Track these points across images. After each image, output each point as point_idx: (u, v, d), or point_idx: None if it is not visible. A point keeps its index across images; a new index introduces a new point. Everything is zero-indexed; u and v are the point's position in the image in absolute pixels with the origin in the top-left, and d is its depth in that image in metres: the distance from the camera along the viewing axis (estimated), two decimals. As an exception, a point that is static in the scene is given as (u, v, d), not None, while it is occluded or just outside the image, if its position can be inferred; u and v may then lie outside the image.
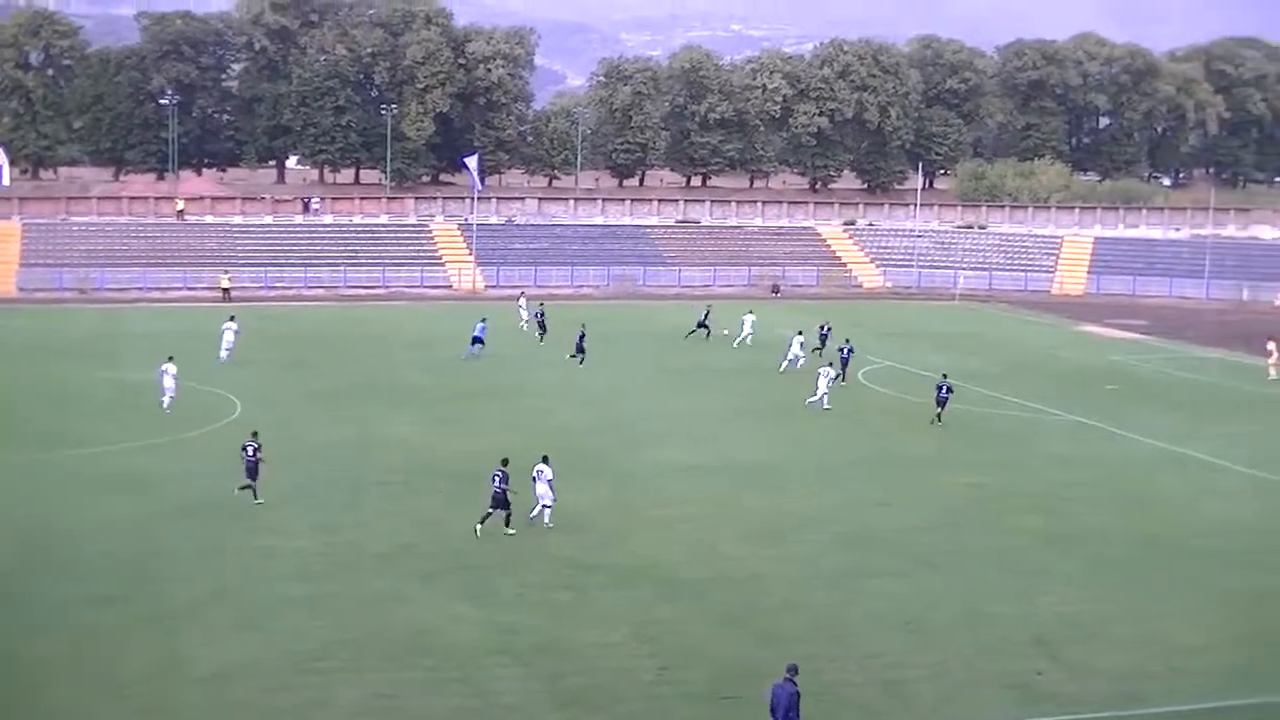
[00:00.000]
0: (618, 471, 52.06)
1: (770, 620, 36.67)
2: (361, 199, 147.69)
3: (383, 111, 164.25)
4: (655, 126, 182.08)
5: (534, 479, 44.41)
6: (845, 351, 74.99)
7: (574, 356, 79.78)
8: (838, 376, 69.86)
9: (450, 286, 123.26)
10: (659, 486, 50.67)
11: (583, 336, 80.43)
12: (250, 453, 47.01)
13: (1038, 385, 75.84)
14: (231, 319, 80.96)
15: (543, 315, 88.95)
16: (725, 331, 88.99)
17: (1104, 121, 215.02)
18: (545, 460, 44.78)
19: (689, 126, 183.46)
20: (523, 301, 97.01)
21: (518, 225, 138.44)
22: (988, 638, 35.70)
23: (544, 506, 44.26)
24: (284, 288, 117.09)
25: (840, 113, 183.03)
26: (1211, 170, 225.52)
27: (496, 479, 43.74)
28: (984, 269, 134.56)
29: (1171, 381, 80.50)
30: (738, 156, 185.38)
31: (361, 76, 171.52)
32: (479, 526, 43.48)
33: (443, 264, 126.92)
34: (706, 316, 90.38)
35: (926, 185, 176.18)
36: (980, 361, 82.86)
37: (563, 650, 34.14)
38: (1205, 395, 76.18)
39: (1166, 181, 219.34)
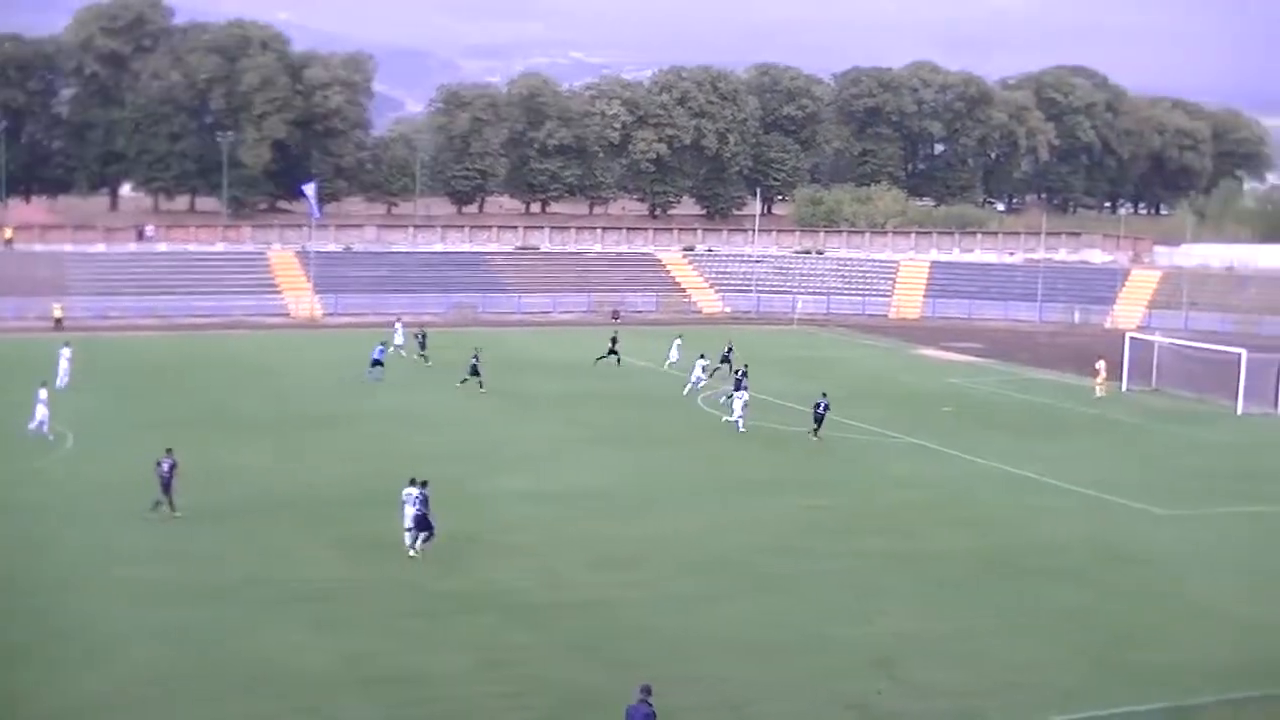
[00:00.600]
0: (467, 498, 51.83)
1: (618, 646, 36.76)
2: (197, 227, 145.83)
3: (219, 138, 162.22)
4: (495, 153, 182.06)
5: (403, 502, 44.51)
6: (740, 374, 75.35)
7: (464, 382, 79.74)
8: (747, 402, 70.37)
9: (288, 315, 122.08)
10: (508, 513, 50.57)
11: (476, 359, 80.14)
12: (165, 469, 47.70)
13: (877, 408, 76.88)
14: (66, 344, 79.82)
15: (424, 339, 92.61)
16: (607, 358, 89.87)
17: (939, 148, 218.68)
18: (413, 483, 44.86)
19: (528, 153, 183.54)
20: (398, 327, 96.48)
21: (356, 253, 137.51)
22: (830, 659, 36.11)
23: (419, 531, 44.22)
24: (118, 317, 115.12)
25: (679, 139, 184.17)
26: (1043, 196, 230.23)
27: (415, 502, 44.10)
28: (822, 293, 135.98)
29: (1007, 403, 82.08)
30: (577, 183, 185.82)
31: (197, 102, 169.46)
32: (411, 550, 43.94)
33: (280, 292, 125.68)
34: (615, 343, 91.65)
35: (765, 211, 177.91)
36: (820, 385, 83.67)
37: (412, 678, 33.95)
38: (1039, 416, 77.69)
39: (1000, 207, 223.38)
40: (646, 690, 27.98)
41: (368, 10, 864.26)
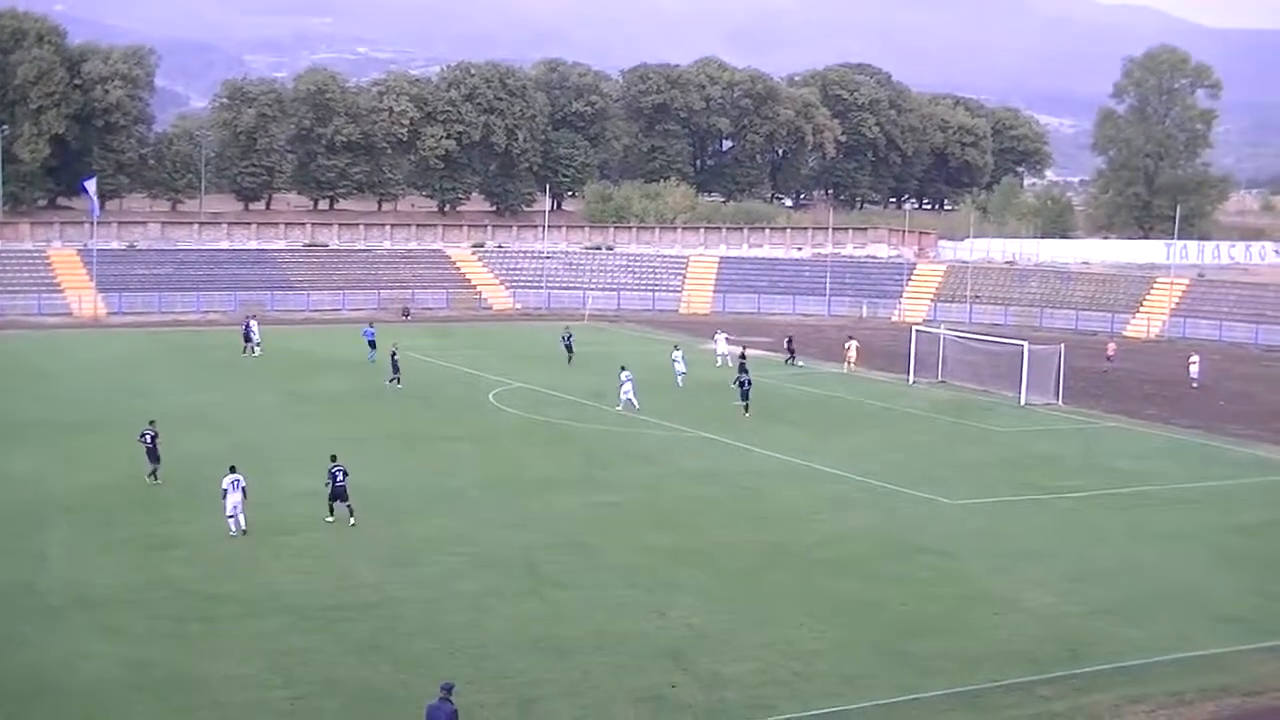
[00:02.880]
0: (249, 498, 51.01)
1: (405, 645, 36.45)
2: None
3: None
4: (281, 149, 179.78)
5: (225, 490, 46.23)
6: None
7: (392, 380, 79.93)
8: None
9: (70, 314, 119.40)
10: (287, 514, 49.86)
11: (394, 355, 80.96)
12: (149, 439, 51.72)
13: (668, 403, 77.20)
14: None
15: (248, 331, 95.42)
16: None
17: (727, 144, 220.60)
18: (233, 470, 46.98)
19: (316, 149, 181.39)
20: (254, 324, 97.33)
21: (140, 250, 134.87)
22: (621, 653, 36.17)
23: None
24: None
25: (468, 135, 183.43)
26: (830, 191, 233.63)
27: (337, 475, 47.62)
28: (613, 289, 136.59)
29: (797, 396, 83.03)
30: (366, 179, 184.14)
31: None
32: (328, 518, 47.95)
33: (62, 291, 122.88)
34: (570, 339, 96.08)
35: (555, 207, 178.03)
36: (611, 381, 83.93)
37: (194, 683, 33.32)
38: (827, 409, 78.76)
39: (788, 202, 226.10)
40: (448, 689, 27.83)
41: (148, 3, 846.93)
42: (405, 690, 33.24)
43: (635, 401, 73.55)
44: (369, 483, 55.13)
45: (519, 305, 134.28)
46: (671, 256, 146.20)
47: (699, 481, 57.40)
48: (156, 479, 53.02)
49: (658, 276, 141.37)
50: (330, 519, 48.08)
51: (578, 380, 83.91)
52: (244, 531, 46.03)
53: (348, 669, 34.70)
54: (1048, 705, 33.66)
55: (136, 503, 49.55)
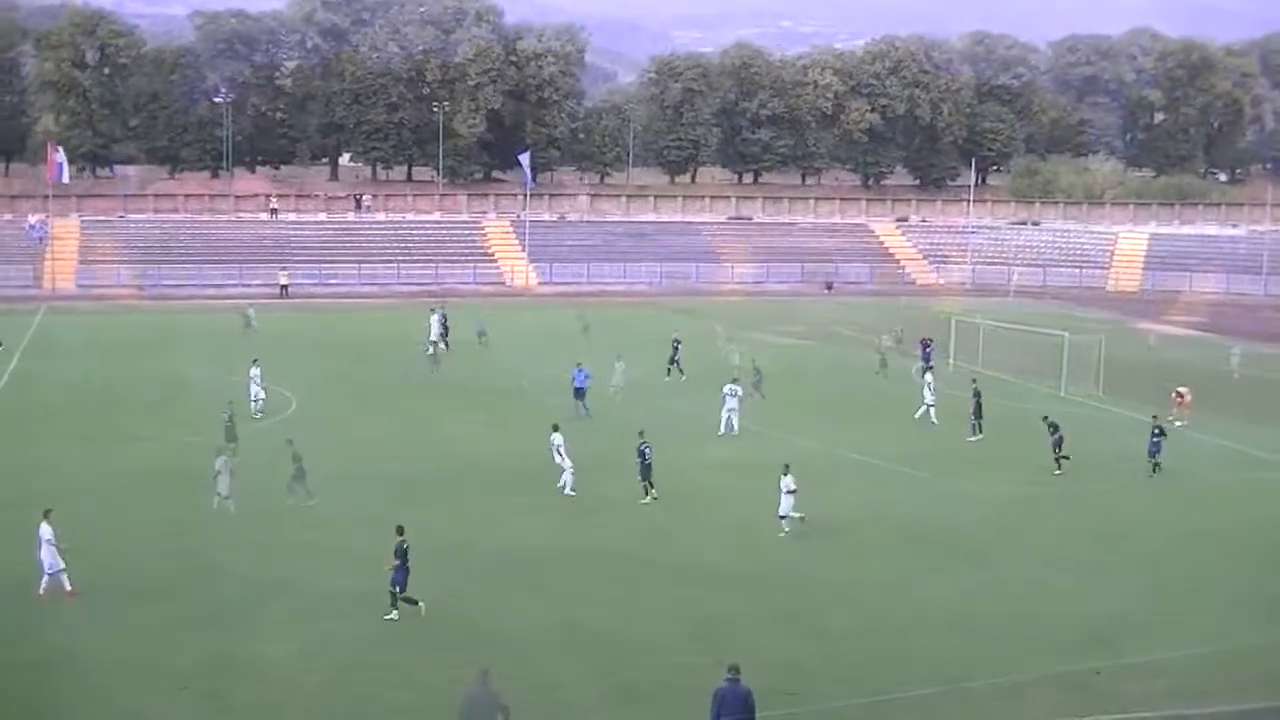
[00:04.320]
0: (673, 470, 51.74)
1: (822, 618, 36.61)
2: (414, 196, 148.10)
3: (434, 109, 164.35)
4: (706, 123, 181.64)
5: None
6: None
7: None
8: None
9: (503, 283, 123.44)
10: (706, 484, 50.45)
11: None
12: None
13: (1093, 381, 75.05)
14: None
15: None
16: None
17: (1159, 117, 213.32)
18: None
19: (740, 123, 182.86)
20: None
21: (570, 222, 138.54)
22: (1044, 636, 35.51)
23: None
24: (337, 284, 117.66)
25: (892, 109, 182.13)
26: (1268, 166, 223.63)
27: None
28: (1038, 265, 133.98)
29: (1231, 378, 79.72)
30: (789, 153, 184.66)
31: (413, 74, 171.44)
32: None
33: (495, 261, 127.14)
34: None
35: (979, 182, 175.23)
36: (1035, 359, 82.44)
37: (618, 644, 34.15)
38: (1265, 391, 75.56)
39: (1223, 177, 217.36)
40: (735, 669, 26.71)
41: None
42: (824, 661, 33.41)
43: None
44: (791, 456, 55.48)
45: (942, 280, 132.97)
46: (1099, 233, 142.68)
47: (1124, 462, 55.49)
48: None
49: (1085, 253, 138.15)
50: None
51: (1003, 357, 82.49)
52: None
53: (766, 637, 35.00)
54: None
55: (558, 469, 50.67)
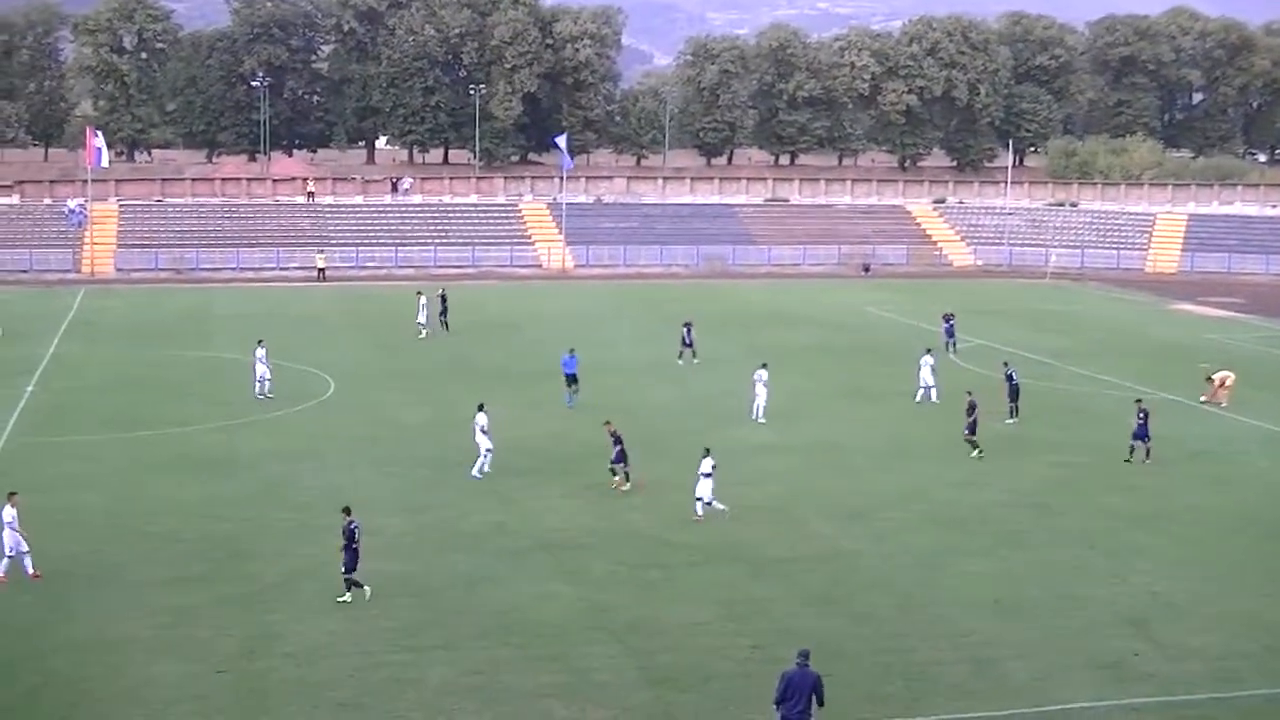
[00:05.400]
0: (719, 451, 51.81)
1: (859, 598, 36.63)
2: (450, 179, 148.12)
3: (471, 91, 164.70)
4: (743, 105, 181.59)
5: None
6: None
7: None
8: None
9: (540, 266, 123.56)
10: (744, 466, 50.51)
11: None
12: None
13: (1132, 363, 74.91)
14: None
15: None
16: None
17: (1197, 97, 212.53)
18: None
19: (777, 105, 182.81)
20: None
21: (606, 204, 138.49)
22: (1080, 618, 35.48)
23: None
24: (375, 267, 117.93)
25: (929, 90, 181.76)
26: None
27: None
28: (1075, 247, 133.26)
29: (1272, 360, 79.27)
30: (826, 135, 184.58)
31: (449, 57, 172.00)
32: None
33: (532, 243, 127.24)
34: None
35: (1017, 163, 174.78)
36: (1073, 340, 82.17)
37: (652, 628, 34.24)
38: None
39: (1262, 158, 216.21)
40: (805, 655, 27.15)
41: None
42: (859, 643, 33.45)
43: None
44: (821, 437, 55.65)
45: (980, 262, 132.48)
46: (1137, 214, 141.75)
47: (1159, 443, 55.13)
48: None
49: (1123, 234, 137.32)
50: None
51: (1040, 339, 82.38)
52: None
53: (802, 619, 35.06)
54: None
55: (591, 452, 50.78)
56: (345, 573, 35.93)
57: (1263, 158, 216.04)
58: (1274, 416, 61.33)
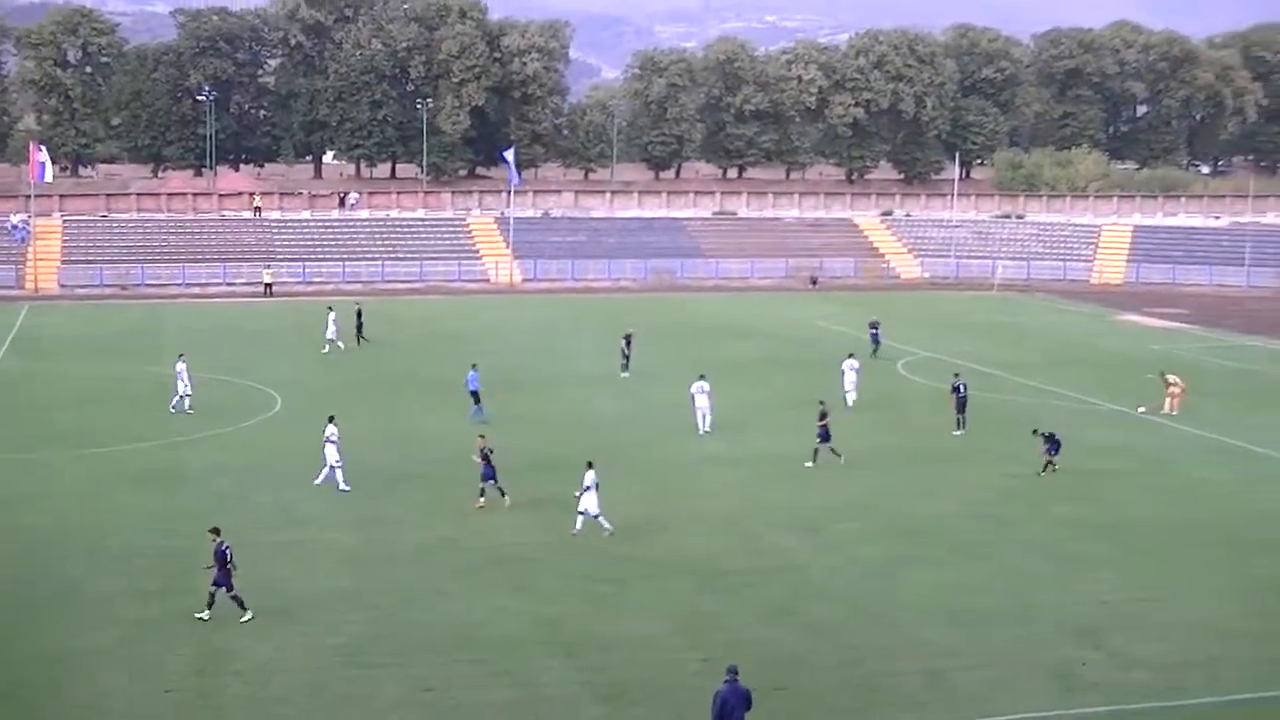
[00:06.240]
0: (657, 464, 51.72)
1: (813, 610, 36.63)
2: (398, 193, 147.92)
3: (418, 106, 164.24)
4: (690, 118, 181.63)
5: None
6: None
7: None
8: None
9: (488, 280, 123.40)
10: (695, 477, 50.47)
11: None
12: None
13: (1078, 375, 75.44)
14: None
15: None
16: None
17: (1141, 110, 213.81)
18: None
19: (724, 118, 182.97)
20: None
21: (554, 218, 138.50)
22: (1032, 628, 35.61)
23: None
24: (322, 282, 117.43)
25: (876, 103, 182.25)
26: (1250, 158, 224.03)
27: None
28: (1022, 258, 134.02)
29: (1215, 370, 79.91)
30: (774, 148, 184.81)
31: (397, 71, 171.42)
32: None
33: (480, 258, 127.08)
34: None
35: (963, 175, 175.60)
36: (1020, 352, 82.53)
37: (605, 642, 34.15)
38: (1249, 383, 75.57)
39: (1205, 169, 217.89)
40: (734, 671, 27.24)
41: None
42: (812, 655, 33.46)
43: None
44: (774, 449, 55.65)
45: (927, 274, 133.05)
46: (1083, 225, 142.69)
47: (1110, 455, 55.75)
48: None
49: (1069, 246, 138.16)
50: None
51: (988, 351, 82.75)
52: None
53: (755, 632, 35.04)
54: None
55: (543, 465, 50.73)
56: (223, 590, 35.45)
57: (1206, 169, 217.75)
58: (1221, 426, 61.72)
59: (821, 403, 54.76)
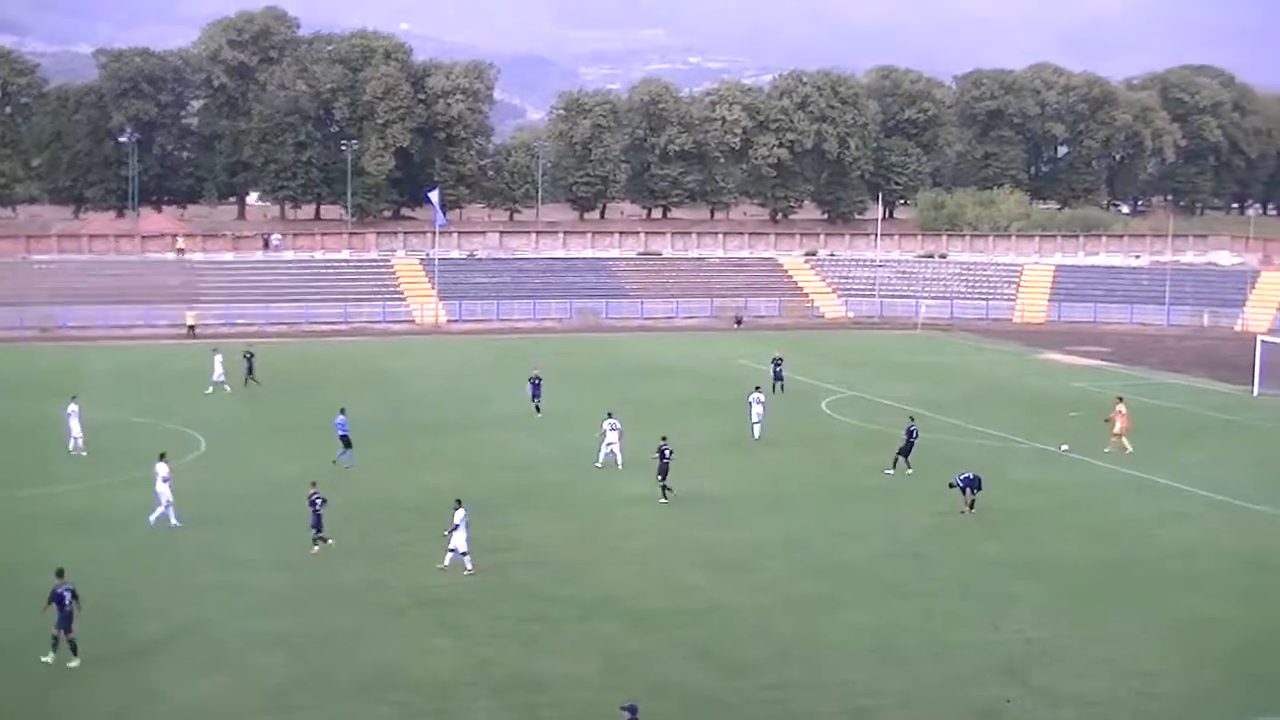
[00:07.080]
0: (584, 502, 51.77)
1: (737, 650, 36.65)
2: (323, 234, 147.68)
3: (343, 147, 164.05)
4: (615, 159, 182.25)
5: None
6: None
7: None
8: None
9: (413, 321, 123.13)
10: (621, 518, 50.50)
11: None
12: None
13: (1002, 413, 76.04)
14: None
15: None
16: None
17: (1062, 150, 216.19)
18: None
19: (649, 159, 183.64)
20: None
21: (479, 259, 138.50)
22: (957, 666, 35.78)
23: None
24: (245, 324, 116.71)
25: (800, 144, 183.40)
26: (1169, 197, 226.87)
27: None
28: (945, 298, 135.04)
29: (1136, 408, 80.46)
30: (698, 188, 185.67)
31: (322, 112, 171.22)
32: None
33: (405, 299, 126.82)
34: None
35: (887, 215, 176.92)
36: (944, 391, 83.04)
37: (533, 682, 34.08)
38: (1169, 421, 76.30)
39: (1125, 209, 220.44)
40: (633, 710, 27.77)
41: (488, 20, 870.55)
42: (738, 695, 33.49)
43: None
44: (701, 488, 55.68)
45: (851, 314, 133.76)
46: (1006, 264, 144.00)
47: (1032, 492, 56.26)
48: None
49: (992, 285, 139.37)
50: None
51: (912, 390, 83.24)
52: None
53: (681, 673, 35.06)
54: None
55: (475, 504, 50.65)
56: (63, 632, 35.09)
57: (1125, 209, 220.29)
58: (1142, 463, 62.30)
59: (664, 438, 54.89)
